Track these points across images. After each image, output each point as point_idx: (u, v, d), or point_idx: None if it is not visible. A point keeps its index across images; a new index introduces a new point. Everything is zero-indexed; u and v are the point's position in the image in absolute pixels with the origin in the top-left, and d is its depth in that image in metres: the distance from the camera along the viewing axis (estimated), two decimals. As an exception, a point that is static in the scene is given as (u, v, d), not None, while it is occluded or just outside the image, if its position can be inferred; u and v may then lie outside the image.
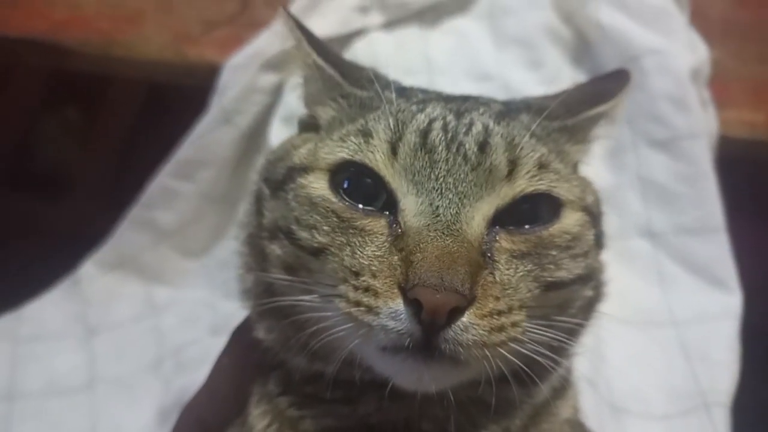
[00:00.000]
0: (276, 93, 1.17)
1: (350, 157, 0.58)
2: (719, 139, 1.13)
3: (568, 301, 0.60)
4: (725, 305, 1.01)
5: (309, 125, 0.68)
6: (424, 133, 0.58)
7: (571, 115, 0.65)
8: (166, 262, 1.24)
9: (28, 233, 1.46)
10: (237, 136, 1.16)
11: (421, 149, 0.57)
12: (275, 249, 0.61)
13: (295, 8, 1.15)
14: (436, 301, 0.50)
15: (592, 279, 0.62)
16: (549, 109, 0.63)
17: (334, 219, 0.57)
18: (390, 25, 1.22)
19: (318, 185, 0.59)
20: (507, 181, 0.57)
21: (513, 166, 0.57)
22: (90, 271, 1.25)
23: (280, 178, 0.63)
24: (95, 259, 1.25)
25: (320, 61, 0.65)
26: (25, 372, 1.15)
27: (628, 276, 1.05)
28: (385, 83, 0.65)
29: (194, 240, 1.22)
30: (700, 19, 1.22)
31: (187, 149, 1.18)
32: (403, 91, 0.67)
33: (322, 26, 1.14)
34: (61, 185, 1.59)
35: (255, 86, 1.13)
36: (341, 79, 0.65)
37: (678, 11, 1.16)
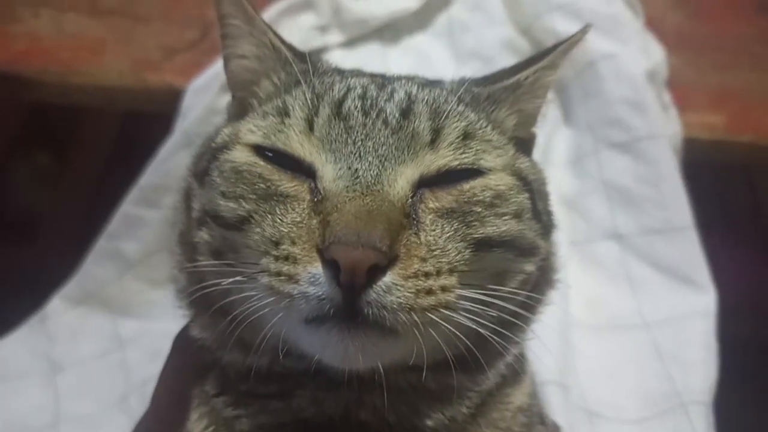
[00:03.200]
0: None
1: (261, 142, 0.58)
2: (683, 142, 1.14)
3: (506, 272, 0.58)
4: (698, 304, 1.00)
5: (236, 113, 0.67)
6: (339, 103, 0.58)
7: (496, 81, 0.65)
8: (131, 294, 1.21)
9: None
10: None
11: (335, 118, 0.57)
12: (203, 236, 0.59)
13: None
14: (352, 257, 0.49)
15: (532, 253, 0.60)
16: (478, 78, 0.63)
17: (261, 185, 0.56)
18: (350, 43, 1.23)
19: (242, 154, 0.58)
20: (430, 149, 0.56)
21: (436, 134, 0.57)
22: (56, 307, 1.23)
23: (205, 164, 0.62)
24: (62, 295, 1.23)
25: (277, 42, 0.64)
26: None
27: (596, 281, 1.04)
28: (318, 59, 0.65)
29: (159, 269, 1.20)
30: (656, 31, 1.26)
31: (151, 175, 1.17)
32: (338, 69, 0.67)
33: (281, 46, 1.15)
34: (32, 229, 1.57)
35: (215, 108, 1.13)
36: (293, 59, 0.64)
37: (632, 18, 1.19)
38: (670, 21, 1.32)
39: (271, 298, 0.52)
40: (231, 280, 0.55)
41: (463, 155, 0.57)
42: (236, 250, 0.56)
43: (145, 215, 1.17)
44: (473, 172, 0.57)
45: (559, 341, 0.95)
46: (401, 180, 0.55)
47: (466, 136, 0.58)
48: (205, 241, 0.59)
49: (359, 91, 0.60)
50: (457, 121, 0.58)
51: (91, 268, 1.21)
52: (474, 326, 0.52)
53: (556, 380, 0.91)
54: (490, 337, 0.54)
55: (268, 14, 1.18)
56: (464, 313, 0.52)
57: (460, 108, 0.60)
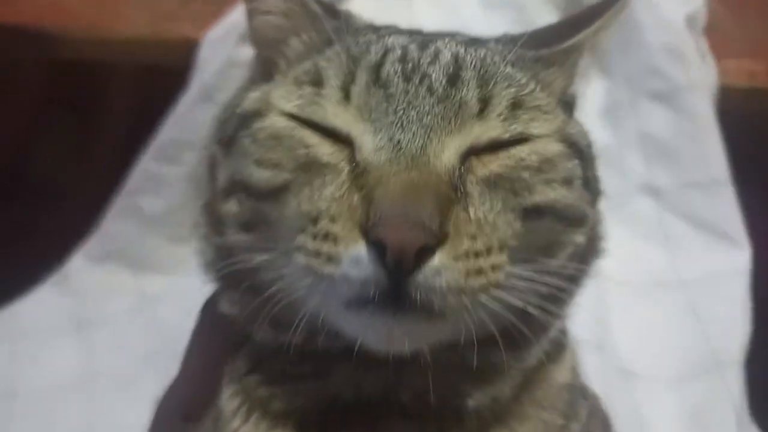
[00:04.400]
0: (257, 66, 1.13)
1: (297, 113, 0.54)
2: (719, 89, 1.09)
3: (555, 243, 0.55)
4: (734, 261, 0.98)
5: (262, 73, 0.63)
6: (377, 67, 0.53)
7: (549, 45, 0.59)
8: (155, 250, 1.20)
9: (21, 240, 1.43)
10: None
11: (374, 84, 0.52)
12: (232, 207, 0.55)
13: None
14: (401, 238, 0.45)
15: (582, 224, 0.56)
16: (525, 37, 0.58)
17: (301, 150, 0.52)
18: (374, -11, 1.17)
19: (279, 119, 0.55)
20: (478, 119, 0.52)
21: (484, 104, 0.53)
22: (78, 264, 1.23)
23: (231, 132, 0.58)
24: (83, 253, 1.23)
25: None
26: (23, 370, 1.12)
27: (631, 237, 1.02)
28: (351, 15, 0.61)
29: (182, 225, 1.18)
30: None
31: (169, 130, 1.15)
32: (373, 26, 0.62)
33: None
34: (57, 193, 1.56)
35: (234, 60, 1.09)
36: (324, 15, 0.59)
37: (670, -41, 1.12)
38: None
39: (309, 279, 0.49)
40: (264, 257, 0.52)
41: (513, 126, 0.53)
42: (269, 224, 0.53)
43: (165, 171, 1.16)
44: (521, 139, 0.54)
45: (593, 299, 0.93)
46: (448, 151, 0.51)
47: (516, 104, 0.54)
48: (233, 213, 0.55)
49: (398, 53, 0.55)
50: (507, 87, 0.54)
51: (111, 225, 1.20)
52: (523, 304, 0.50)
53: (591, 339, 0.90)
54: (538, 313, 0.51)
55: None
56: (514, 291, 0.50)
57: (509, 71, 0.55)
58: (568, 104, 0.62)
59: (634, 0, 1.05)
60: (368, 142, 0.51)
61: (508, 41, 0.60)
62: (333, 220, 0.49)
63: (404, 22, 1.16)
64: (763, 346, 0.95)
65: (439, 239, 0.47)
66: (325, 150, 0.52)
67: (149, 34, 1.17)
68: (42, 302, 1.20)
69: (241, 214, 0.55)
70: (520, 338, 0.53)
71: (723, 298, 0.97)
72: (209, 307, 0.64)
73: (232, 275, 0.56)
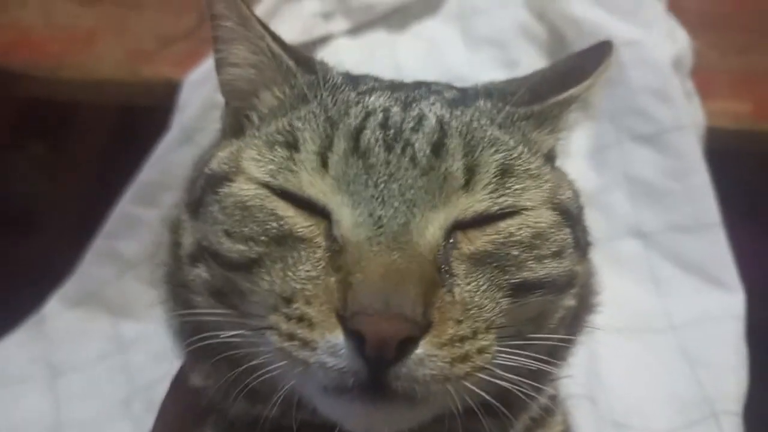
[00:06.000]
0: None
1: (269, 181, 0.50)
2: (705, 131, 1.09)
3: (545, 313, 0.52)
4: (726, 305, 0.96)
5: (233, 125, 0.59)
6: (356, 134, 0.50)
7: (539, 100, 0.56)
8: (132, 295, 1.17)
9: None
10: (199, 156, 1.11)
11: (352, 154, 0.49)
12: (200, 273, 0.52)
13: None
14: (381, 331, 0.42)
15: (572, 285, 0.53)
16: (515, 96, 0.55)
17: (273, 224, 0.49)
18: (356, 30, 1.17)
19: (249, 187, 0.51)
20: (464, 192, 0.49)
21: (471, 174, 0.49)
22: (54, 308, 1.19)
23: (199, 193, 0.54)
24: (59, 296, 1.19)
25: (276, 48, 0.56)
26: (-7, 419, 1.08)
27: (619, 281, 0.99)
28: (327, 69, 0.57)
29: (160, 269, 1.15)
30: (678, 10, 1.19)
31: (149, 172, 1.13)
32: (352, 78, 0.58)
33: (283, 34, 1.09)
34: (30, 222, 1.53)
35: (215, 102, 1.07)
36: (297, 68, 0.56)
37: (654, 0, 1.13)
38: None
39: (283, 362, 0.45)
40: (236, 332, 0.49)
41: (501, 198, 0.50)
42: (242, 294, 0.50)
43: (143, 214, 1.13)
44: (511, 212, 0.50)
45: (582, 348, 0.90)
46: (432, 227, 0.47)
47: (504, 172, 0.50)
48: (203, 279, 0.52)
49: (380, 117, 0.51)
50: (494, 153, 0.50)
51: (88, 268, 1.17)
52: (510, 386, 0.47)
53: (582, 392, 0.87)
54: (525, 384, 0.48)
55: (268, 0, 1.12)
56: (501, 372, 0.47)
57: (497, 134, 0.52)
58: (550, 158, 0.59)
59: (619, 40, 1.04)
60: (347, 217, 0.47)
61: (497, 96, 0.56)
62: (308, 302, 0.45)
63: (388, 61, 1.16)
64: (762, 395, 0.92)
65: (422, 329, 0.43)
66: (300, 222, 0.49)
67: (126, 75, 1.14)
68: (14, 348, 1.16)
69: (212, 282, 0.52)
70: (507, 407, 0.49)
71: (716, 343, 0.94)
72: (181, 376, 0.60)
73: (202, 348, 0.52)
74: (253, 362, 0.48)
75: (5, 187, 1.52)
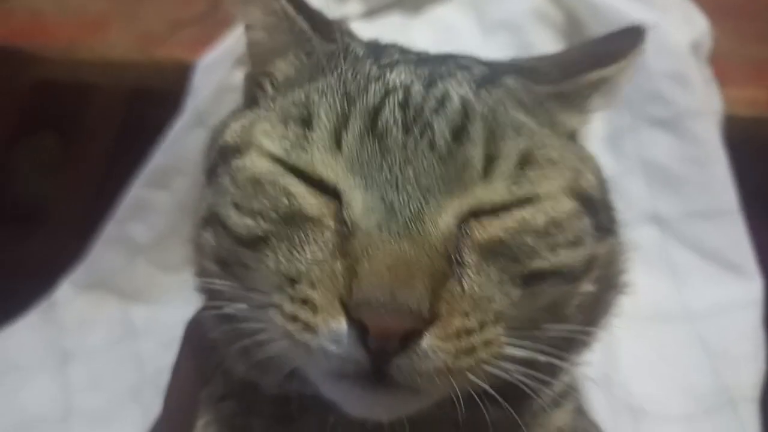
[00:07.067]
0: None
1: (282, 156, 0.49)
2: (722, 119, 1.07)
3: (560, 301, 0.50)
4: (744, 292, 0.95)
5: (249, 95, 0.58)
6: (374, 113, 0.48)
7: (568, 78, 0.55)
8: (143, 279, 1.17)
9: (3, 266, 1.40)
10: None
11: (368, 134, 0.47)
12: (209, 238, 0.51)
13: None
14: (384, 324, 0.41)
15: (589, 269, 0.52)
16: (545, 74, 0.54)
17: (284, 201, 0.47)
18: (370, 14, 1.15)
19: (261, 161, 0.49)
20: (482, 181, 0.47)
21: (491, 162, 0.48)
22: (66, 293, 1.19)
23: (213, 162, 0.53)
24: (71, 281, 1.19)
25: (291, 10, 0.54)
26: (2, 406, 1.08)
27: (636, 268, 0.98)
28: (353, 39, 0.55)
29: (171, 254, 1.15)
30: (695, -2, 1.18)
31: (161, 156, 1.12)
32: (375, 49, 0.56)
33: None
34: (38, 213, 1.53)
35: (228, 85, 1.06)
36: (313, 34, 0.54)
37: (672, -17, 1.12)
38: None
39: (284, 341, 0.45)
40: (240, 306, 0.48)
41: (520, 189, 0.48)
42: (246, 266, 0.49)
43: (156, 198, 1.12)
44: (528, 200, 0.49)
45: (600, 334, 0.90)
46: (445, 216, 0.46)
47: (525, 160, 0.49)
48: (210, 245, 0.52)
49: (400, 96, 0.49)
50: (517, 140, 0.49)
51: (100, 253, 1.17)
52: (517, 375, 0.46)
53: (599, 377, 0.86)
54: (532, 376, 0.47)
55: (284, -17, 1.11)
56: (508, 365, 0.45)
57: (522, 118, 0.50)
58: (573, 138, 0.58)
59: (636, 23, 1.03)
60: (358, 201, 0.46)
61: (526, 72, 0.54)
62: (312, 285, 0.44)
63: (403, 44, 1.15)
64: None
65: (428, 322, 0.42)
66: (310, 201, 0.47)
67: (138, 57, 1.14)
68: (25, 333, 1.16)
69: (218, 249, 0.51)
70: (513, 399, 0.48)
71: (733, 330, 0.93)
72: (192, 327, 0.60)
73: (213, 293, 0.52)
74: (257, 337, 0.47)
75: (16, 175, 1.53)
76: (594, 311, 0.55)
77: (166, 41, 1.16)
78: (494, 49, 1.13)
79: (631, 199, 1.02)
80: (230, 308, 0.49)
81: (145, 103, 1.34)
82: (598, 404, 0.84)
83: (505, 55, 1.12)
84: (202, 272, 0.54)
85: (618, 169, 1.04)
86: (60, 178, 1.56)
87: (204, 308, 0.56)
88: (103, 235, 1.15)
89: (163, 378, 1.10)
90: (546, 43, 1.12)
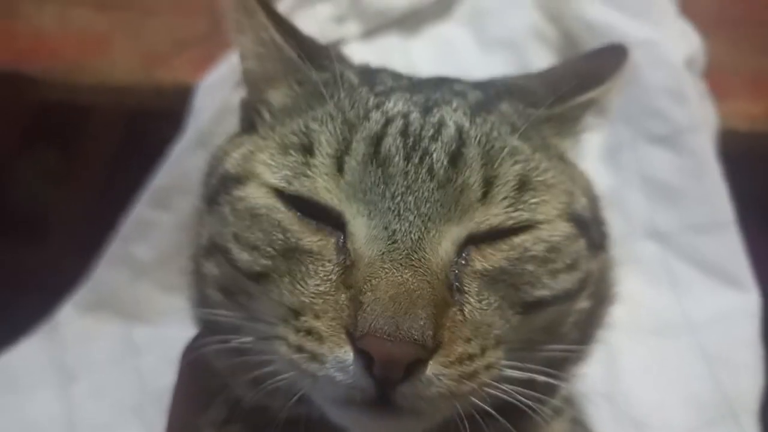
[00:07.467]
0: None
1: (283, 187, 0.50)
2: (719, 133, 1.08)
3: (557, 321, 0.51)
4: (742, 304, 0.96)
5: (247, 120, 0.59)
6: (377, 140, 0.49)
7: (559, 102, 0.56)
8: (145, 299, 1.17)
9: (4, 278, 1.40)
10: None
11: (371, 162, 0.48)
12: (211, 268, 0.52)
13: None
14: (390, 354, 0.42)
15: (583, 287, 0.53)
16: (535, 96, 0.55)
17: (280, 236, 0.48)
18: (369, 34, 1.16)
19: (259, 194, 0.50)
20: (481, 205, 0.48)
21: (488, 186, 0.49)
22: (69, 314, 1.19)
23: (213, 190, 0.54)
24: (74, 302, 1.19)
25: (279, 39, 0.55)
26: (6, 425, 1.08)
27: (636, 281, 0.99)
28: (346, 65, 0.57)
29: (173, 274, 1.15)
30: (691, 11, 1.18)
31: (163, 176, 1.13)
32: (368, 76, 0.58)
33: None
34: (39, 229, 1.54)
35: (229, 106, 1.07)
36: (302, 63, 0.55)
37: (667, 0, 1.13)
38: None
39: (291, 372, 0.46)
40: (246, 339, 0.49)
41: (517, 212, 0.49)
42: (250, 295, 0.50)
43: (158, 218, 1.13)
44: (526, 226, 0.50)
45: (601, 347, 0.90)
46: (445, 243, 0.47)
47: (522, 185, 0.50)
48: (213, 275, 0.53)
49: (400, 124, 0.50)
50: (513, 164, 0.50)
51: (103, 273, 1.17)
52: (515, 395, 0.47)
53: (601, 390, 0.87)
54: (530, 395, 0.48)
55: (283, 5, 1.12)
56: (508, 386, 0.47)
57: (516, 143, 0.51)
58: (564, 158, 0.59)
59: (632, 39, 1.04)
60: (361, 230, 0.47)
61: (517, 95, 0.56)
62: (317, 316, 0.45)
63: (402, 64, 1.17)
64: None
65: (431, 350, 0.44)
66: (307, 236, 0.48)
67: (141, 79, 1.15)
68: (28, 354, 1.16)
69: (221, 278, 0.52)
70: (512, 415, 0.49)
71: (734, 342, 0.94)
72: (190, 352, 0.60)
73: (216, 325, 0.53)
74: (265, 369, 0.48)
75: (17, 192, 1.53)
76: (589, 326, 0.56)
77: (168, 61, 1.17)
78: (492, 66, 1.14)
79: (631, 213, 1.03)
80: (236, 342, 0.49)
81: (147, 122, 1.35)
82: (600, 416, 0.85)
83: (503, 72, 1.14)
84: (204, 302, 0.55)
85: (617, 184, 1.05)
86: (61, 195, 1.57)
87: (203, 336, 0.57)
88: (106, 255, 1.16)
89: (165, 395, 1.10)
90: (543, 60, 1.13)
